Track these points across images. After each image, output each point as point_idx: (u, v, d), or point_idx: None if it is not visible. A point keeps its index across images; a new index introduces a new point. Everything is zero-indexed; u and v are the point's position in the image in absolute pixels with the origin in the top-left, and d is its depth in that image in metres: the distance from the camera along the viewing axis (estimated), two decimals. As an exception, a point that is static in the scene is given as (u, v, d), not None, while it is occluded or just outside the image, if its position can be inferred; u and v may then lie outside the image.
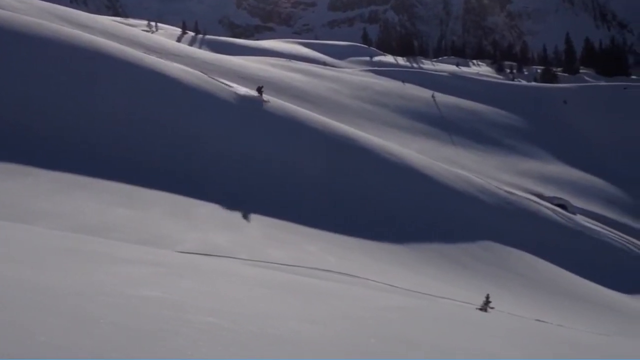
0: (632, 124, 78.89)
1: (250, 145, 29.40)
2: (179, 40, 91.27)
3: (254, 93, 34.37)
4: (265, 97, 34.33)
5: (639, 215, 53.53)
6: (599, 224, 46.11)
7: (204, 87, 32.60)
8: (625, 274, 37.28)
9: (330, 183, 29.61)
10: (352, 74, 79.41)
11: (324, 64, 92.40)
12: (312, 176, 29.47)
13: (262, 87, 34.94)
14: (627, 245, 42.90)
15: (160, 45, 59.70)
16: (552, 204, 45.91)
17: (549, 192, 50.94)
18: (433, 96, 74.34)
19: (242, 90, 34.42)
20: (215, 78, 35.18)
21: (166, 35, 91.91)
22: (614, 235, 44.05)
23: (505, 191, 41.97)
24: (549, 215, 41.39)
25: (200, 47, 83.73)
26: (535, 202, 43.26)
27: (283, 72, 66.34)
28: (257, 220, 22.27)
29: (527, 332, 11.97)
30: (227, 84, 34.85)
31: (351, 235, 24.71)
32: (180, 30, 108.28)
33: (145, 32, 75.50)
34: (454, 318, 11.69)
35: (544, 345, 10.29)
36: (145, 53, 37.33)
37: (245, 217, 22.04)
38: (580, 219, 45.10)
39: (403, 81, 79.67)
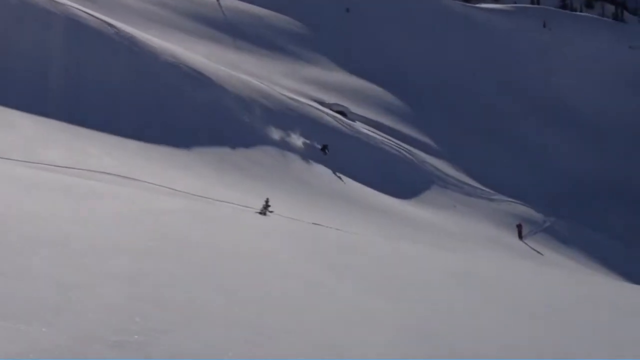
0: (418, 33, 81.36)
1: (27, 43, 27.76)
2: None
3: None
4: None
5: (414, 122, 55.93)
6: (377, 131, 47.82)
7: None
8: (400, 179, 39.12)
9: (115, 86, 28.62)
10: (135, -27, 76.63)
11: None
12: (95, 78, 28.35)
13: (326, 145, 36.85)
14: (402, 151, 44.92)
15: None
16: (332, 110, 46.95)
17: (330, 99, 51.99)
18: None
19: None
20: None
21: None
22: (389, 141, 45.89)
23: (289, 97, 42.42)
24: (330, 122, 42.41)
25: None
26: (317, 108, 44.09)
27: (60, -34, 62.82)
28: (33, 119, 21.20)
29: (304, 234, 12.25)
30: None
31: (133, 139, 24.19)
32: None
33: None
34: (233, 221, 11.73)
35: (319, 246, 10.57)
36: None
37: (21, 116, 20.93)
38: (359, 125, 46.56)
39: (188, -17, 77.97)
